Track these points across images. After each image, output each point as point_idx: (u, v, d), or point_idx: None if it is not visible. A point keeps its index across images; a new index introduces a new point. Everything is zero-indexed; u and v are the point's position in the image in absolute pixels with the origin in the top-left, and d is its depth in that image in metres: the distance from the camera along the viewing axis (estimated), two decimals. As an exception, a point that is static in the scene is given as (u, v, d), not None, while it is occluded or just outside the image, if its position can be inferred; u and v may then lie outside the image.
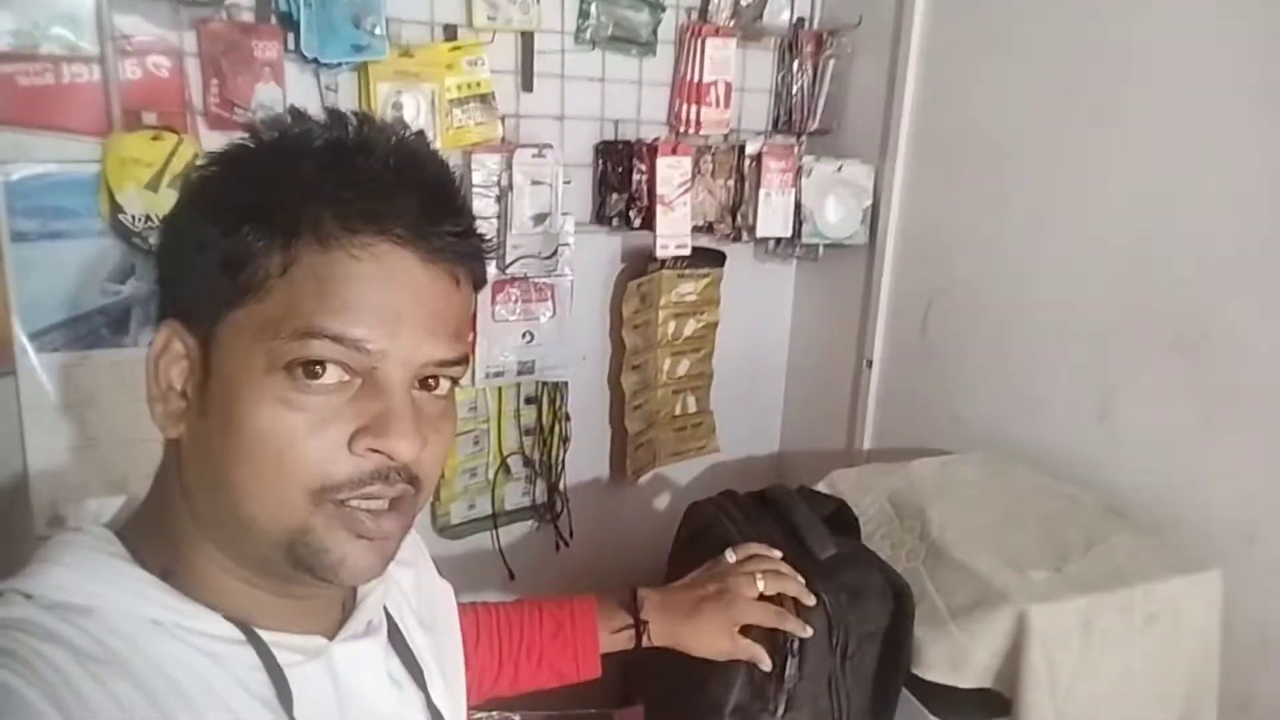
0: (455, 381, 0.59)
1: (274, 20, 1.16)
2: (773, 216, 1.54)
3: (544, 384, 1.51)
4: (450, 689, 0.71)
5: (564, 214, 1.41)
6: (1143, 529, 1.06)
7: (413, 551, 0.77)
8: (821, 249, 1.62)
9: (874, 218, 1.57)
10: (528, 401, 1.52)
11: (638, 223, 1.46)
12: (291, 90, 1.19)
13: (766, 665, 0.90)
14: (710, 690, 0.92)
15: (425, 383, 0.56)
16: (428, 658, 0.70)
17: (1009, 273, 1.34)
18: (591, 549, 1.61)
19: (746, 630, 0.90)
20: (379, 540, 0.55)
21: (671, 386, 1.65)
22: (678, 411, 1.68)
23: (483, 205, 1.35)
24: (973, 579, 0.96)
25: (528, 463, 1.53)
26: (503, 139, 1.36)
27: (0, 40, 1.03)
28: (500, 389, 1.47)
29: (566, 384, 1.53)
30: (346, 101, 1.24)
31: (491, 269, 1.36)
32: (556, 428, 1.53)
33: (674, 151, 1.43)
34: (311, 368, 0.51)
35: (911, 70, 1.49)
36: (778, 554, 0.94)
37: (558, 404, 1.53)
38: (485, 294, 1.40)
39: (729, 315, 1.70)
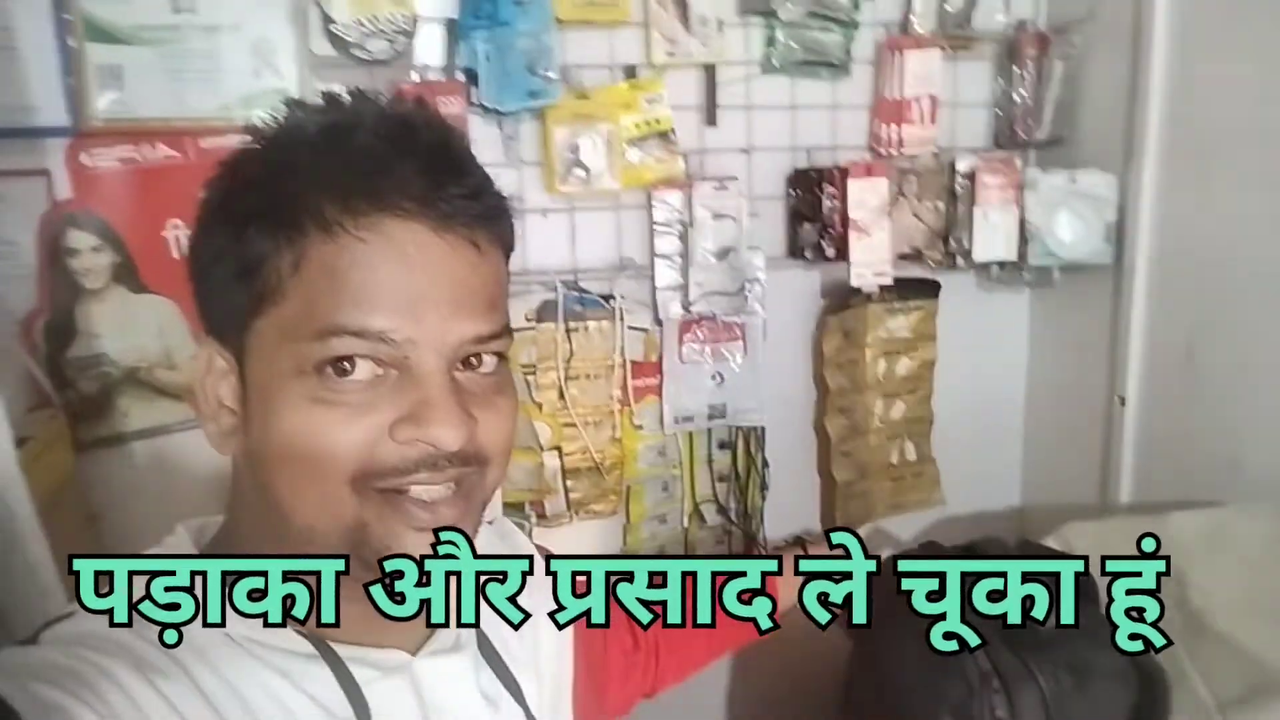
0: (502, 356, 0.55)
1: (459, 75, 1.21)
2: (992, 238, 1.37)
3: (739, 429, 1.43)
4: (557, 700, 0.66)
5: (751, 248, 1.34)
6: None
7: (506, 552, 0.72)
8: (1057, 272, 1.41)
9: (1120, 233, 1.36)
10: (721, 446, 1.44)
11: (832, 253, 1.35)
12: (477, 141, 1.23)
13: None
14: None
15: (467, 362, 0.52)
16: (525, 670, 0.64)
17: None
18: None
19: None
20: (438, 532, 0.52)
21: (885, 432, 1.50)
22: (894, 460, 1.52)
23: (665, 244, 1.31)
24: (1247, 661, 0.75)
25: (722, 511, 1.45)
26: (685, 175, 1.32)
27: (205, 114, 1.13)
28: (691, 434, 1.41)
29: (764, 429, 1.43)
30: (527, 148, 1.26)
31: (676, 307, 1.32)
32: (753, 475, 1.44)
33: (868, 173, 1.32)
34: (340, 365, 0.49)
35: (1158, 63, 1.28)
36: None
37: (754, 450, 1.43)
38: (671, 334, 1.35)
39: (950, 352, 1.53)
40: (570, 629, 0.72)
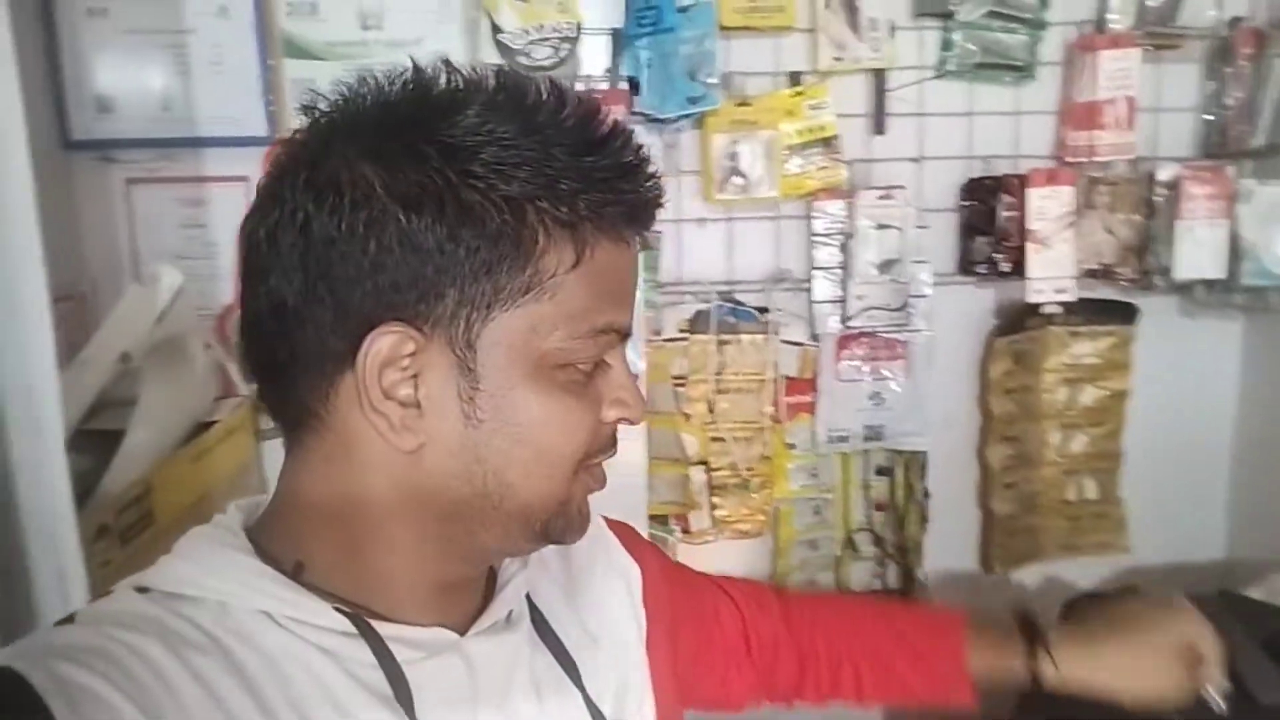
0: None
1: (622, 84, 1.22)
2: (1197, 254, 1.23)
3: (899, 454, 1.35)
4: (622, 687, 0.63)
5: (918, 262, 1.27)
6: None
7: (590, 542, 0.67)
8: (1273, 294, 1.25)
9: (1354, 250, 1.18)
10: (879, 473, 1.36)
11: (1006, 268, 1.25)
12: (636, 150, 1.23)
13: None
14: None
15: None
16: (587, 652, 0.62)
17: None
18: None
19: None
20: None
21: (1063, 466, 1.37)
22: (1071, 497, 1.38)
23: (825, 254, 1.27)
24: None
25: (878, 541, 1.37)
26: (849, 185, 1.27)
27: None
28: (846, 456, 1.34)
29: (925, 455, 1.34)
30: (687, 157, 1.26)
31: (834, 322, 1.27)
32: (913, 504, 1.35)
33: (1051, 180, 1.21)
34: None
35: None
36: None
37: (914, 478, 1.35)
38: (828, 350, 1.30)
39: (1148, 383, 1.38)
40: (638, 590, 0.69)
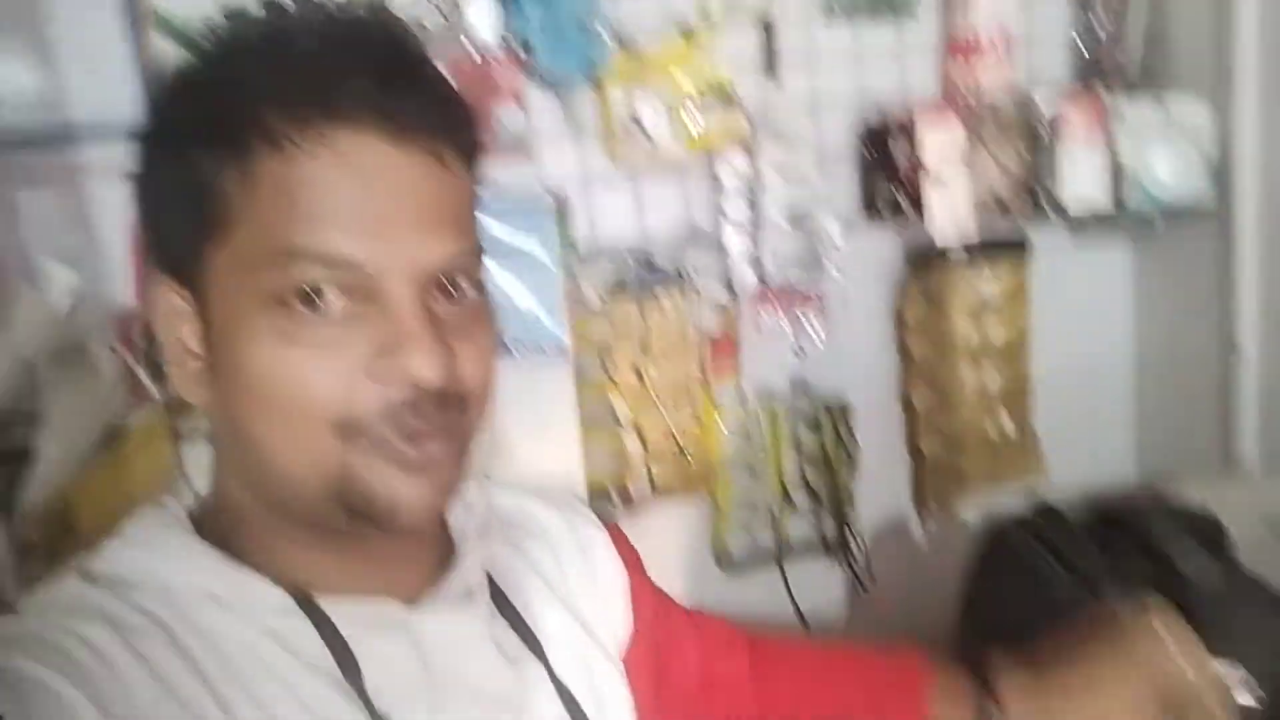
0: (479, 284, 0.51)
1: (513, 45, 1.18)
2: (1082, 179, 1.27)
3: (825, 406, 1.35)
4: (592, 669, 0.60)
5: (825, 211, 1.27)
6: None
7: (567, 532, 0.67)
8: (1158, 219, 1.31)
9: (1224, 171, 1.25)
10: (808, 426, 1.36)
11: (910, 210, 1.27)
12: (535, 111, 1.20)
13: None
14: None
15: (444, 290, 0.49)
16: (551, 629, 0.60)
17: None
18: (894, 591, 1.38)
19: None
20: (429, 470, 0.48)
21: (978, 403, 1.40)
22: (990, 432, 1.42)
23: (734, 210, 1.26)
24: None
25: (812, 494, 1.37)
26: (751, 135, 1.26)
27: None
28: (775, 414, 1.34)
29: (851, 405, 1.35)
30: (587, 117, 1.22)
31: (750, 278, 1.26)
32: (843, 455, 1.35)
33: (940, 119, 1.24)
34: (307, 296, 0.45)
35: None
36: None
37: (842, 428, 1.35)
38: (747, 306, 1.29)
39: (1047, 314, 1.43)
40: (625, 595, 0.67)
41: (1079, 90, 1.29)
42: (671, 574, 1.35)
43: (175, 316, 0.49)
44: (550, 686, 0.57)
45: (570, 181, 1.22)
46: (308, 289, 0.45)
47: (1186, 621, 0.65)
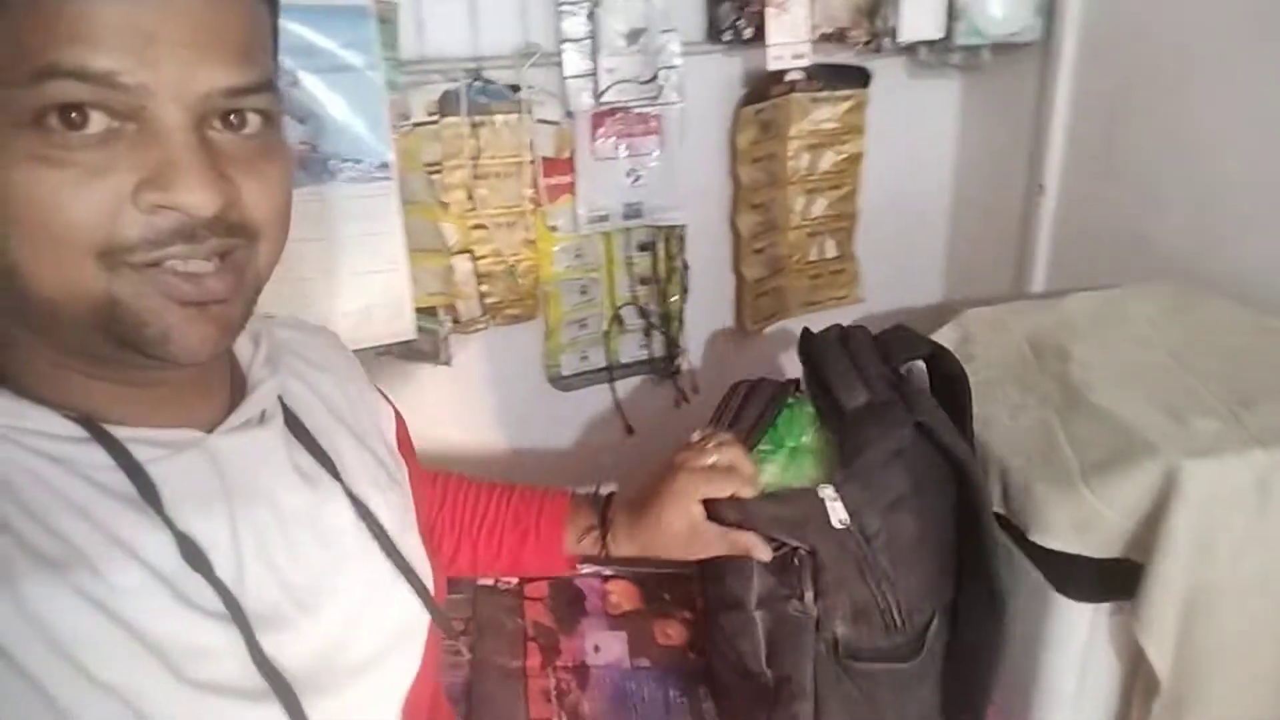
0: (268, 116, 0.49)
1: None
2: (919, 13, 1.29)
3: (659, 229, 1.40)
4: (381, 490, 0.65)
5: (665, 30, 1.25)
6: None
7: (341, 361, 0.71)
8: (987, 53, 1.35)
9: (1051, 6, 1.28)
10: (641, 248, 1.41)
11: (749, 34, 1.27)
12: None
13: (762, 555, 0.77)
14: (729, 584, 0.81)
15: (227, 121, 0.47)
16: (343, 450, 0.63)
17: (1216, 66, 1.05)
18: (714, 405, 1.51)
19: None
20: (209, 304, 0.48)
21: (805, 229, 1.48)
22: (813, 257, 1.50)
23: (572, 25, 1.22)
24: (1115, 429, 0.77)
25: (643, 314, 1.44)
26: (591, -52, 1.21)
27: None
28: (608, 234, 1.38)
29: (684, 228, 1.40)
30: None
31: (587, 98, 1.25)
32: (674, 276, 1.42)
33: (786, -59, 1.22)
34: (67, 116, 0.42)
35: None
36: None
37: (674, 250, 1.41)
38: (583, 128, 1.29)
39: (878, 144, 1.48)
40: (394, 433, 0.73)
41: (923, -79, 1.27)
42: (504, 391, 1.43)
43: None
44: (347, 502, 0.61)
45: (396, -14, 1.16)
46: (69, 108, 0.42)
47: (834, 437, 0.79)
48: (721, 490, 0.77)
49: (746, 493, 0.77)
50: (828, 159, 1.46)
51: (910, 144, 1.52)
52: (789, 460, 0.83)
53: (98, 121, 0.43)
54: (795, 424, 0.85)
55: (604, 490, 0.87)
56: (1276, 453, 0.71)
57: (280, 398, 0.61)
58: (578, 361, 1.43)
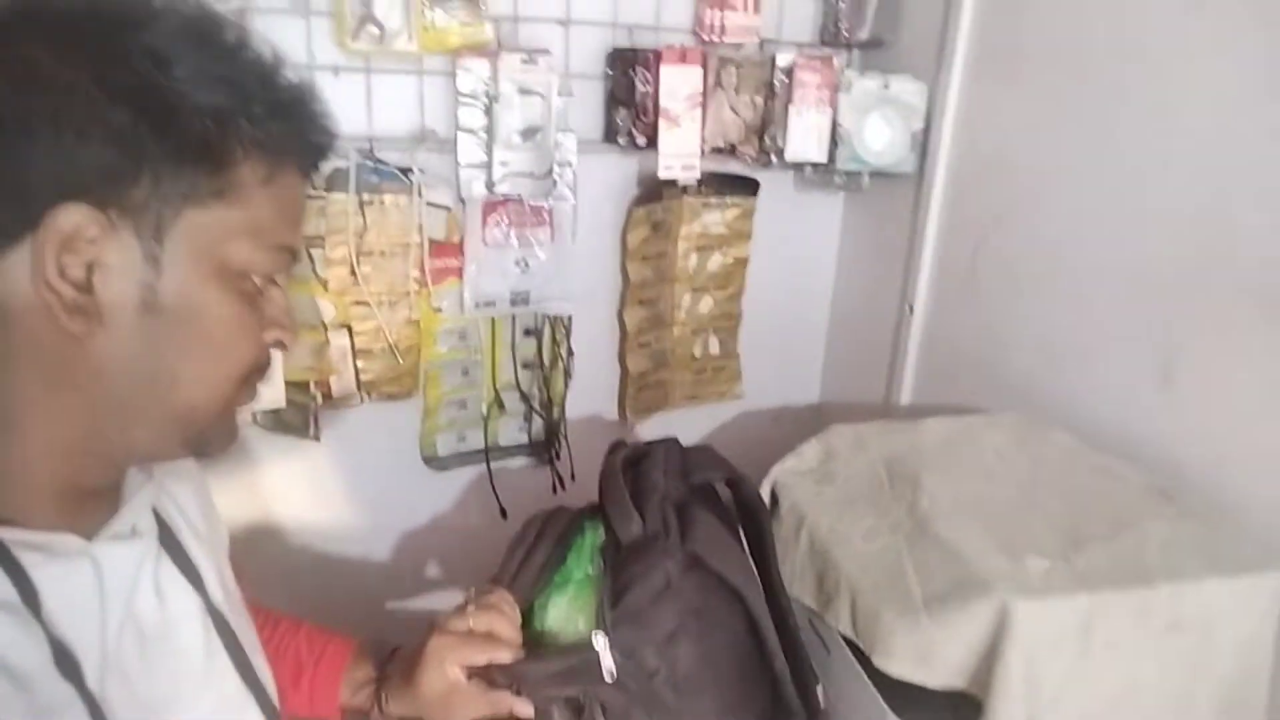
0: None
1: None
2: (805, 138, 1.36)
3: (546, 316, 1.41)
4: (232, 607, 0.67)
5: (564, 130, 1.28)
6: (1191, 516, 0.88)
7: (193, 469, 0.73)
8: (867, 178, 1.43)
9: (925, 142, 1.38)
10: (526, 334, 1.41)
11: (643, 141, 1.31)
12: (257, -16, 1.10)
13: (523, 712, 0.76)
14: None
15: None
16: (204, 565, 0.65)
17: (1068, 204, 1.14)
18: (592, 492, 1.51)
19: None
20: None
21: (690, 326, 1.52)
22: (697, 353, 1.54)
23: (468, 116, 1.23)
24: (955, 561, 0.81)
25: (525, 398, 1.44)
26: (495, 44, 1.24)
27: None
28: (495, 319, 1.38)
29: (570, 317, 1.41)
30: (317, 6, 1.14)
31: (480, 187, 1.26)
32: (558, 363, 1.43)
33: (682, 59, 1.27)
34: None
35: (979, -32, 1.27)
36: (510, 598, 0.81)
37: (560, 337, 1.42)
38: (474, 215, 1.29)
39: (763, 250, 1.54)
40: (226, 562, 0.74)
41: (816, 55, 1.35)
42: (378, 469, 1.39)
43: (79, 243, 0.49)
44: (207, 619, 0.63)
45: (294, 63, 1.15)
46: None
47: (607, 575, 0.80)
48: (477, 657, 0.76)
49: (503, 658, 0.76)
50: (715, 261, 1.51)
51: (794, 252, 1.59)
52: (577, 593, 0.83)
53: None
54: (584, 553, 0.85)
55: (391, 644, 0.85)
56: (1100, 596, 0.76)
57: (155, 509, 0.63)
58: (455, 442, 1.42)
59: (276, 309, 0.58)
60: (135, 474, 0.62)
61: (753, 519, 0.84)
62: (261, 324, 0.57)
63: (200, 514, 0.70)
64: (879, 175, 1.42)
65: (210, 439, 0.58)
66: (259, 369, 0.58)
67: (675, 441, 0.91)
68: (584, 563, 0.84)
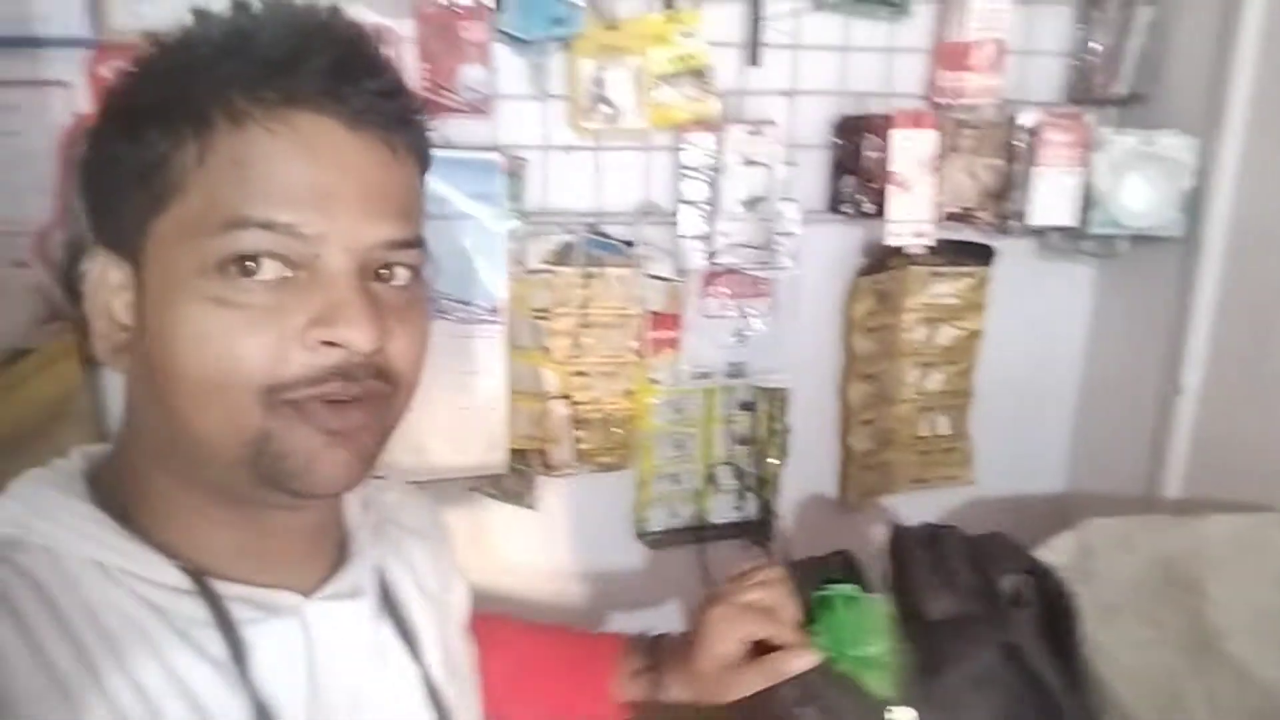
0: (415, 270, 0.54)
1: (488, 1, 1.15)
2: (1052, 200, 1.25)
3: (763, 390, 1.37)
4: (457, 680, 0.64)
5: (785, 199, 1.26)
6: None
7: (435, 528, 0.71)
8: (1122, 242, 1.29)
9: (1197, 203, 1.23)
10: (742, 407, 1.38)
11: (870, 209, 1.26)
12: (501, 71, 1.18)
13: (800, 665, 0.71)
14: None
15: (379, 273, 0.51)
16: (427, 633, 0.63)
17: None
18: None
19: None
20: (350, 435, 0.50)
21: (918, 403, 1.42)
22: (924, 433, 1.44)
23: (691, 189, 1.24)
24: (1252, 689, 0.67)
25: (739, 475, 1.40)
26: (720, 118, 1.24)
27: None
28: (710, 391, 1.35)
29: (787, 391, 1.36)
30: (554, 80, 1.20)
31: (700, 258, 1.26)
32: (774, 439, 1.38)
33: (915, 123, 1.22)
34: (244, 264, 0.47)
35: (1254, 15, 1.14)
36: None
37: (776, 412, 1.37)
38: (694, 286, 1.29)
39: (1000, 323, 1.42)
40: (468, 606, 0.73)
41: (1064, 114, 1.25)
42: (590, 544, 1.39)
43: (110, 290, 0.51)
44: (423, 690, 0.60)
45: (528, 144, 1.21)
46: (246, 256, 0.47)
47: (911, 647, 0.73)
48: (759, 631, 0.73)
49: (784, 638, 0.73)
50: (945, 334, 1.41)
51: (1035, 326, 1.46)
52: (856, 669, 0.75)
53: (271, 267, 0.48)
54: (863, 627, 0.77)
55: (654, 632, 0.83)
56: None
57: (379, 569, 0.62)
58: (667, 517, 1.39)
59: (322, 301, 0.48)
60: (364, 531, 0.61)
61: (1060, 614, 0.74)
62: (278, 324, 0.48)
63: (435, 576, 0.68)
64: (1138, 240, 1.28)
65: (277, 474, 0.49)
66: (301, 383, 0.48)
67: (958, 529, 0.84)
68: (864, 638, 0.77)
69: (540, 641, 0.83)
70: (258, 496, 0.51)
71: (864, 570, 0.85)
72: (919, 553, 0.78)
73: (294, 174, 0.48)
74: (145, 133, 0.49)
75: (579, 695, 0.80)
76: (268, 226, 0.47)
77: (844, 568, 0.85)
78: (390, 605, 0.61)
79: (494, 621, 0.83)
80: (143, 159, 0.49)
